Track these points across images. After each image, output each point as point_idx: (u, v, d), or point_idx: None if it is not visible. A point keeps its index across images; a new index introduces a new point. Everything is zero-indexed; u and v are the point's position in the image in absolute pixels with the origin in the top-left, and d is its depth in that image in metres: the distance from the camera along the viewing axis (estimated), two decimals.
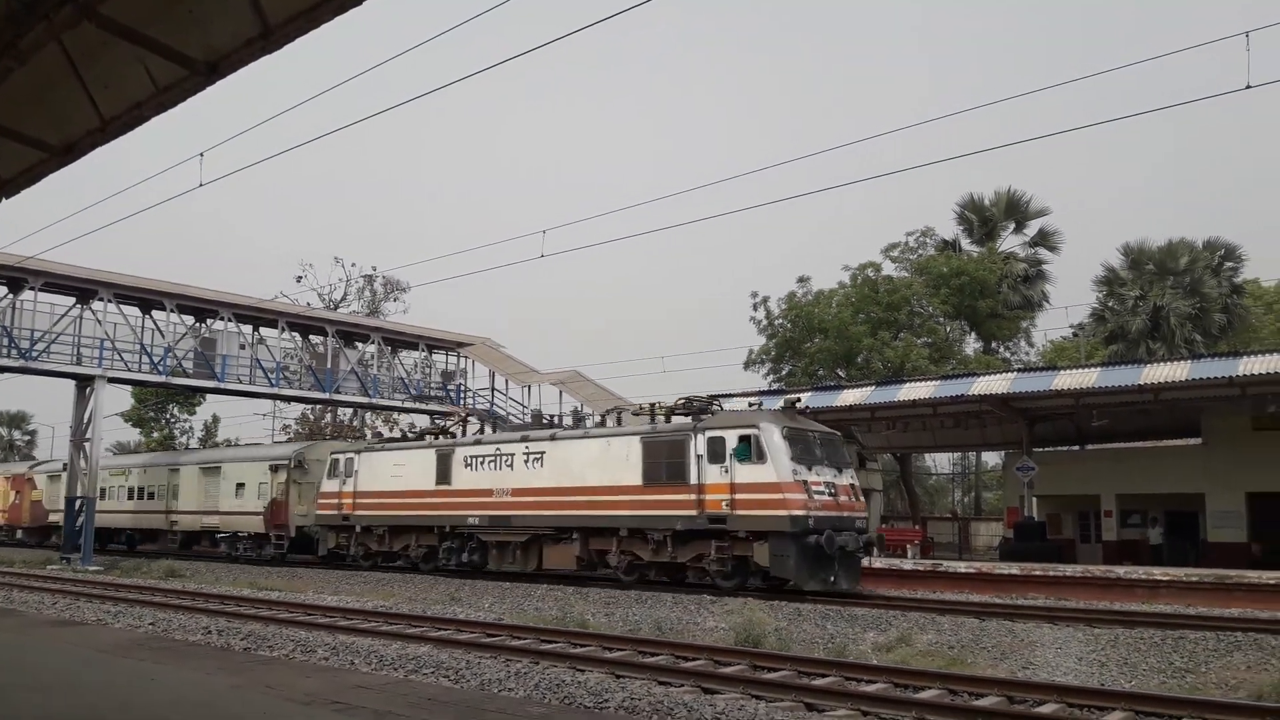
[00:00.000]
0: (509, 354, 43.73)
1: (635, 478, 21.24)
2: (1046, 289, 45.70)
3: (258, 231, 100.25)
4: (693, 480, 20.18)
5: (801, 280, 42.43)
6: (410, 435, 30.10)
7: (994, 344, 45.59)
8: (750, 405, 24.11)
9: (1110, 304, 43.34)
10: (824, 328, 40.27)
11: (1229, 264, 42.38)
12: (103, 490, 36.79)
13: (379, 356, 40.94)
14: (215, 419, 65.39)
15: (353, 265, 58.26)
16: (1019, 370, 31.17)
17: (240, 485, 33.05)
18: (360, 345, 41.18)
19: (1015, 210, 46.06)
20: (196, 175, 16.40)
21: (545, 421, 26.44)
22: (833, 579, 19.00)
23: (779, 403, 24.40)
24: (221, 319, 35.70)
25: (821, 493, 19.36)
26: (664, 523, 20.64)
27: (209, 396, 50.12)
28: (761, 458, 19.29)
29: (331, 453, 29.12)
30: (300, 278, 56.07)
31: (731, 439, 19.81)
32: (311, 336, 40.01)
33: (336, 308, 54.63)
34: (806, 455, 19.68)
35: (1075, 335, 44.22)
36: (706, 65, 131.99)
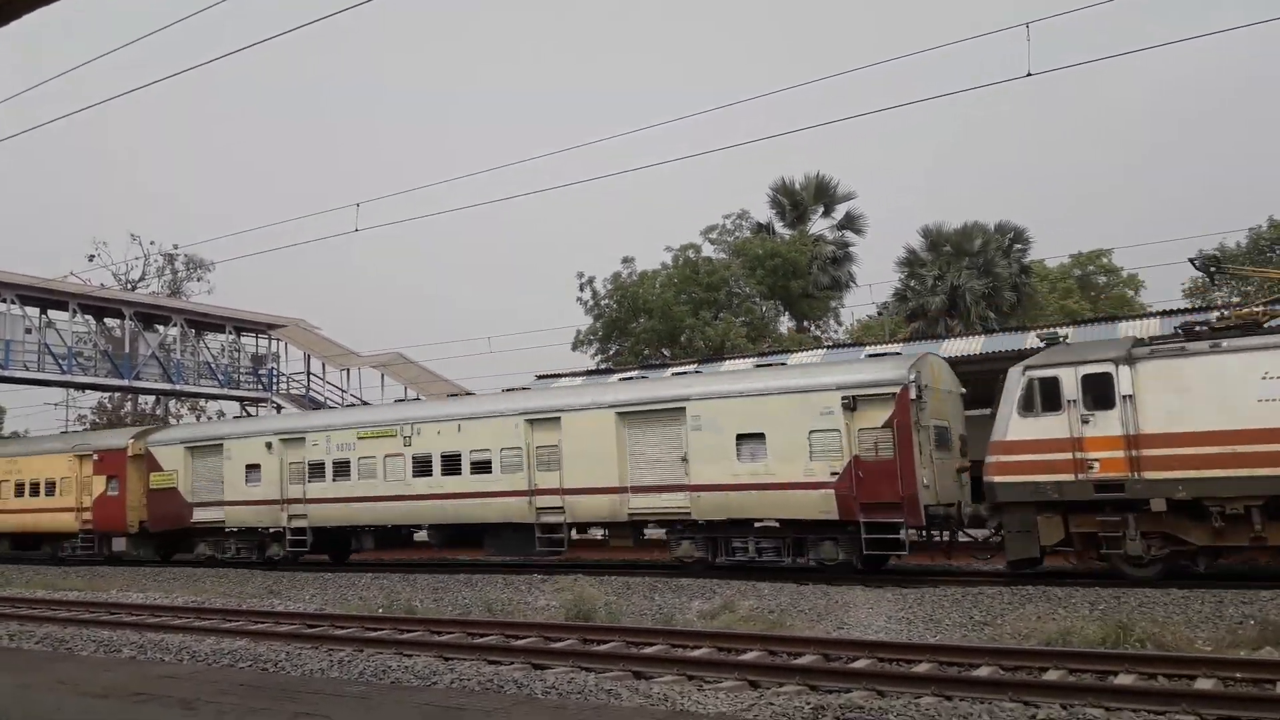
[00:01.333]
0: (325, 335, 42.29)
1: None
2: (853, 270, 47.86)
3: (46, 206, 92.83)
4: None
5: (626, 261, 42.90)
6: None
7: (806, 323, 47.42)
8: None
9: (911, 284, 45.51)
10: (648, 308, 40.84)
11: (1018, 246, 45.31)
12: (339, 464, 24.09)
13: (182, 340, 38.86)
14: (0, 410, 60.47)
15: (151, 243, 54.70)
16: (829, 347, 32.46)
17: (749, 438, 18.46)
18: (161, 328, 38.97)
19: (824, 194, 47.88)
20: None
21: None
22: None
23: None
24: (3, 300, 33.08)
25: None
26: None
27: None
28: None
29: (1026, 368, 16.18)
30: (93, 256, 52.47)
31: None
32: (107, 319, 37.62)
33: (134, 288, 51.44)
34: None
35: (880, 314, 46.49)
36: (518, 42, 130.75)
